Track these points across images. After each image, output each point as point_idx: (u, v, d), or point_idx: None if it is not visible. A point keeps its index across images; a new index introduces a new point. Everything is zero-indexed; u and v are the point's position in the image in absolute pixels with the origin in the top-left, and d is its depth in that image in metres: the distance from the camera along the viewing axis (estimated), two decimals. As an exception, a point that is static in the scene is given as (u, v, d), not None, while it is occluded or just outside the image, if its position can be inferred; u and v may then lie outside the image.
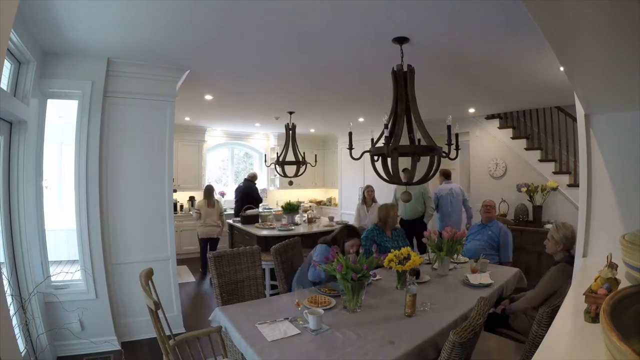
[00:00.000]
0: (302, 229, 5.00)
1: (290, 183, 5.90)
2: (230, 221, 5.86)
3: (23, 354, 2.42)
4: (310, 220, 5.61)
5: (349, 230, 2.83)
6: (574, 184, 4.69)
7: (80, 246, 3.00)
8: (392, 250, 2.62)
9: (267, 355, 1.62)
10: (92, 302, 2.99)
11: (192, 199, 7.21)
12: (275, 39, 2.68)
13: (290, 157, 5.33)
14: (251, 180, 6.55)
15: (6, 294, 1.72)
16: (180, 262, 5.15)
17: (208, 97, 4.59)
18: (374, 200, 5.45)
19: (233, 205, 7.55)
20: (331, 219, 5.74)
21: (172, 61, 3.21)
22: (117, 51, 2.95)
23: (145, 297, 1.89)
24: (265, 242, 4.41)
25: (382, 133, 2.35)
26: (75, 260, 3.25)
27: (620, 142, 1.64)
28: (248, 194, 6.34)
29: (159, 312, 1.85)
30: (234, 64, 3.30)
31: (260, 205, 6.63)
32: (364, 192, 5.52)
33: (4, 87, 2.39)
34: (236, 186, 6.72)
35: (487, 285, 2.61)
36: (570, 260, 2.39)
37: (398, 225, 3.72)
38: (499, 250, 3.71)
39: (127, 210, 3.24)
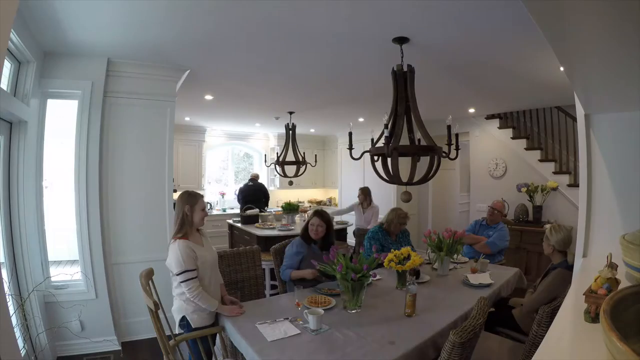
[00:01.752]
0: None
1: (290, 183, 5.90)
2: (230, 221, 5.85)
3: (23, 353, 2.42)
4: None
5: (315, 212, 2.99)
6: (574, 184, 4.68)
7: (80, 246, 3.00)
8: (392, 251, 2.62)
9: (267, 355, 1.62)
10: (92, 302, 2.99)
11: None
12: (276, 39, 2.68)
13: (290, 157, 5.33)
14: (257, 179, 6.68)
15: (6, 294, 1.72)
16: (180, 262, 5.13)
17: (208, 97, 4.59)
18: (370, 203, 5.42)
19: (233, 205, 7.60)
20: (331, 218, 5.73)
21: (172, 61, 3.21)
22: (117, 51, 2.95)
23: (146, 297, 1.89)
24: (265, 242, 4.40)
25: (382, 133, 2.35)
26: (75, 260, 3.25)
27: (620, 142, 1.64)
28: (259, 193, 6.47)
29: (159, 312, 1.85)
30: (234, 64, 3.30)
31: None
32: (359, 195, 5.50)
33: (4, 87, 2.39)
34: (241, 186, 6.70)
35: (487, 285, 2.61)
36: (568, 265, 2.34)
37: (405, 227, 3.63)
38: (499, 251, 3.70)
39: (127, 210, 3.24)
